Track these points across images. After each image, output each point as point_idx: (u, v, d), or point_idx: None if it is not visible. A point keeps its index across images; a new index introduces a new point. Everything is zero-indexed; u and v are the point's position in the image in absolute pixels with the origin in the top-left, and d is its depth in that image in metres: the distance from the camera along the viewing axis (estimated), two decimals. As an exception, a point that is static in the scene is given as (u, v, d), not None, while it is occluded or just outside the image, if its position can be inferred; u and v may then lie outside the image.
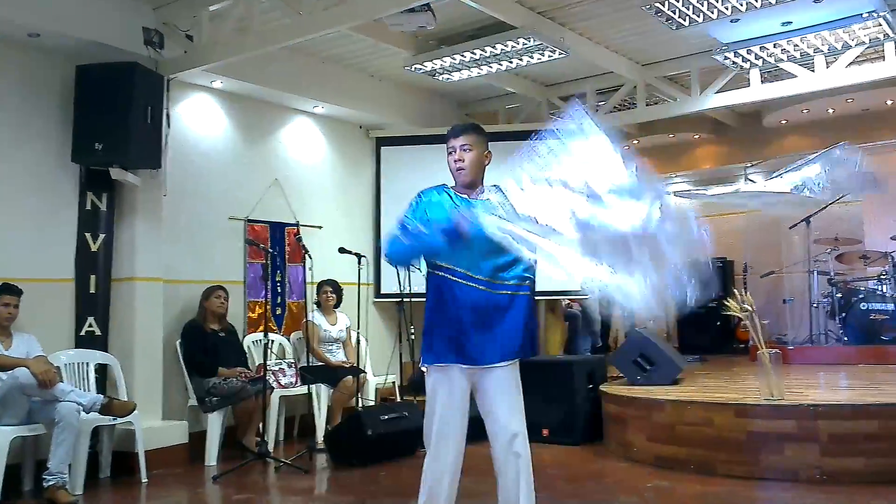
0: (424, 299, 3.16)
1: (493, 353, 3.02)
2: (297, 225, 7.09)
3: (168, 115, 5.74)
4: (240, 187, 6.72)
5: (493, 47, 6.12)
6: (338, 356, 6.65)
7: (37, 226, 5.35)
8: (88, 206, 5.58)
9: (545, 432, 5.93)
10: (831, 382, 6.09)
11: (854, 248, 8.25)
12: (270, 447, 5.72)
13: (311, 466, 5.42)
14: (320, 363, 6.46)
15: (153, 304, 5.74)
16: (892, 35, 6.02)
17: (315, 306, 6.74)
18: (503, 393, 3.03)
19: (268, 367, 5.74)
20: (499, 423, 3.02)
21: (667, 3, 5.37)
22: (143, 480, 5.06)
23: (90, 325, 5.52)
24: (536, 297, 8.26)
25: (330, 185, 7.60)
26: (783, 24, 5.87)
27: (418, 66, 6.53)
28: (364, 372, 6.57)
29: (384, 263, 7.50)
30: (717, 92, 7.21)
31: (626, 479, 4.84)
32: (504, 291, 3.01)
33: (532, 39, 5.93)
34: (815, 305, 7.94)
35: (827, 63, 6.57)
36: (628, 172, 2.63)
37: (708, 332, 9.80)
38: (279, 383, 6.19)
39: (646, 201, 2.58)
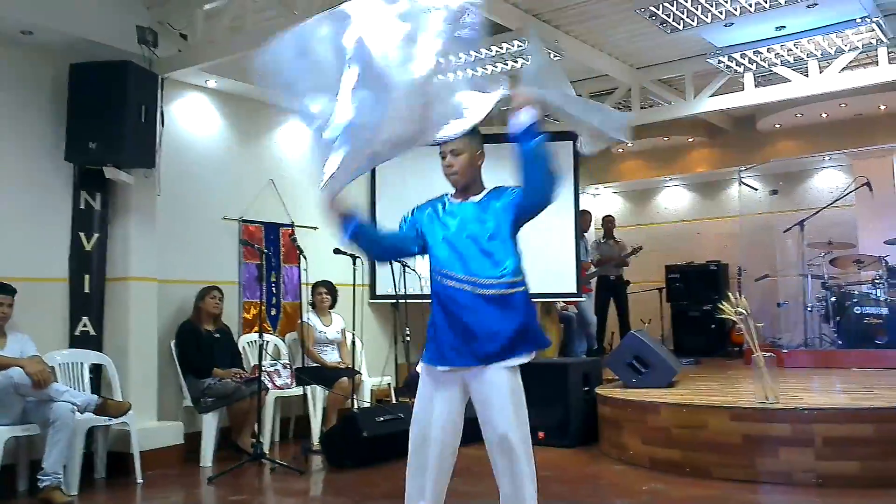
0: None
1: (470, 356, 2.88)
2: (291, 225, 7.07)
3: (162, 115, 5.72)
4: (234, 187, 6.71)
5: (488, 49, 6.12)
6: (333, 357, 6.64)
7: (30, 225, 5.33)
8: (82, 206, 5.56)
9: (540, 435, 5.91)
10: (826, 386, 6.10)
11: (848, 253, 8.27)
12: (266, 448, 5.70)
13: (306, 468, 5.41)
14: (315, 364, 6.45)
15: (147, 304, 5.72)
16: (885, 40, 6.06)
17: (310, 307, 6.73)
18: (491, 396, 2.87)
19: (263, 368, 5.73)
20: (486, 427, 2.89)
21: (661, 6, 5.39)
22: (139, 481, 5.04)
23: (84, 325, 5.49)
24: (533, 300, 8.25)
25: (325, 187, 7.56)
26: (777, 28, 5.91)
27: (414, 67, 6.52)
28: (359, 373, 6.56)
29: (379, 263, 7.52)
30: (712, 96, 7.24)
31: (620, 482, 4.85)
32: (488, 292, 2.87)
33: (526, 42, 5.93)
34: (809, 309, 7.97)
35: (820, 68, 6.61)
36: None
37: (703, 335, 9.82)
38: (274, 384, 6.17)
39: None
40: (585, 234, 8.96)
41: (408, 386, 6.51)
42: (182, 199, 6.22)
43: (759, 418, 4.62)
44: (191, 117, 6.44)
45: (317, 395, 6.33)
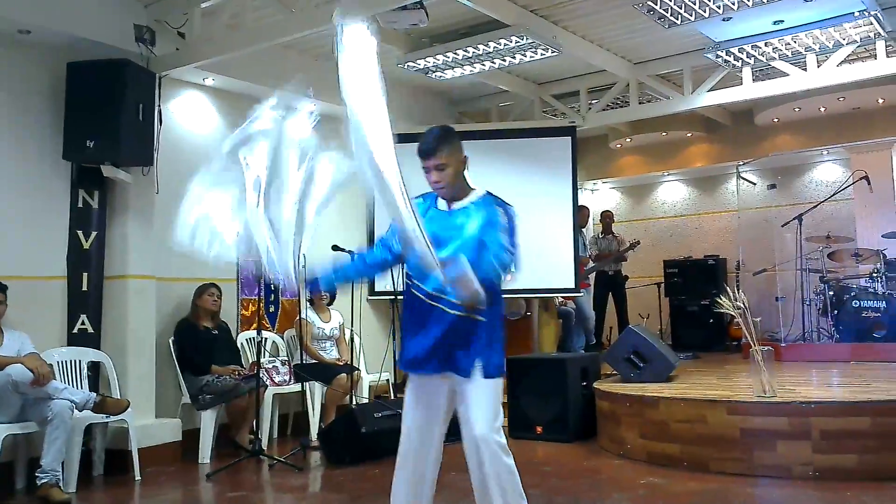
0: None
1: (433, 364, 2.98)
2: (290, 223, 7.06)
3: (160, 113, 5.72)
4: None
5: (486, 45, 6.13)
6: (331, 354, 6.65)
7: (28, 223, 5.33)
8: (80, 204, 5.56)
9: (538, 429, 5.95)
10: (823, 380, 6.11)
11: (846, 246, 8.27)
12: (264, 445, 5.71)
13: (304, 464, 5.41)
14: (314, 361, 6.46)
15: (146, 302, 5.72)
16: (883, 34, 6.05)
17: (308, 304, 6.73)
18: (466, 401, 2.95)
19: (261, 365, 5.74)
20: (464, 430, 2.96)
21: (659, 1, 5.38)
22: (137, 478, 5.05)
23: (83, 323, 5.50)
24: (531, 296, 8.25)
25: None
26: (774, 22, 5.90)
27: (411, 63, 6.52)
28: (358, 369, 6.57)
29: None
30: (710, 90, 7.24)
31: (619, 476, 4.86)
32: (443, 307, 2.91)
33: (524, 37, 5.94)
34: (807, 303, 7.98)
35: (818, 62, 6.60)
36: None
37: (701, 329, 9.83)
38: (273, 381, 6.18)
39: None
40: (583, 229, 8.96)
41: (406, 382, 6.50)
42: (180, 197, 6.17)
43: (757, 412, 4.63)
44: (189, 115, 6.44)
45: (315, 392, 6.34)
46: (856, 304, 7.53)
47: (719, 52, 6.35)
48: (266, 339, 6.48)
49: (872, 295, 7.54)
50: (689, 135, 9.87)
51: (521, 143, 7.80)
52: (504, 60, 6.46)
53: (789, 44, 6.28)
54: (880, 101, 8.47)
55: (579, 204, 7.98)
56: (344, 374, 6.25)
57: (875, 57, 6.47)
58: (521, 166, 7.70)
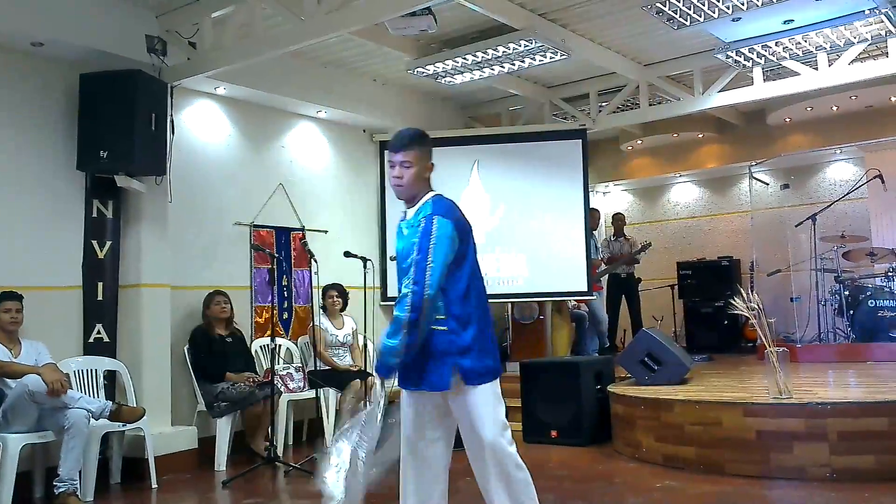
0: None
1: (413, 380, 3.12)
2: (302, 229, 7.10)
3: (172, 122, 5.76)
4: (245, 193, 6.74)
5: (495, 50, 6.13)
6: (345, 360, 6.66)
7: (44, 234, 5.37)
8: (94, 214, 5.61)
9: (553, 433, 5.94)
10: (840, 380, 6.07)
11: (861, 246, 8.22)
12: (279, 451, 5.73)
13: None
14: (327, 367, 6.47)
15: (160, 311, 5.76)
16: (894, 31, 6.01)
17: (321, 310, 6.75)
18: (457, 416, 3.04)
19: (276, 372, 5.76)
20: (466, 444, 3.02)
21: (668, 2, 5.37)
22: (154, 486, 5.08)
23: (98, 332, 5.54)
24: (544, 299, 8.23)
25: (334, 189, 7.62)
26: (784, 22, 5.86)
27: (421, 69, 6.54)
28: (371, 375, 6.56)
29: (390, 265, 7.55)
30: (720, 91, 7.22)
31: (634, 479, 4.84)
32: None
33: (533, 41, 5.93)
34: (822, 303, 7.93)
35: (830, 60, 6.56)
36: None
37: (715, 331, 9.79)
38: (287, 388, 6.20)
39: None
40: (595, 232, 8.94)
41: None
42: (193, 206, 6.26)
43: (773, 414, 4.60)
44: (201, 124, 6.49)
45: (329, 398, 6.35)
46: (872, 303, 7.48)
47: (729, 53, 6.32)
48: (280, 345, 6.51)
49: (888, 294, 7.48)
50: (700, 136, 9.83)
51: (531, 147, 7.80)
52: (514, 64, 6.46)
53: (800, 43, 6.24)
54: (893, 98, 8.41)
55: (590, 207, 7.98)
56: (357, 380, 6.26)
57: (887, 55, 6.43)
58: (532, 170, 7.71)
